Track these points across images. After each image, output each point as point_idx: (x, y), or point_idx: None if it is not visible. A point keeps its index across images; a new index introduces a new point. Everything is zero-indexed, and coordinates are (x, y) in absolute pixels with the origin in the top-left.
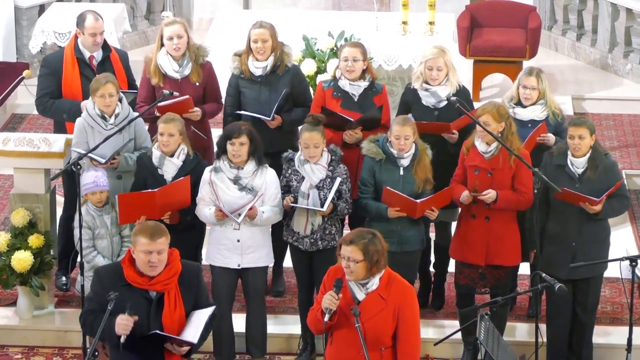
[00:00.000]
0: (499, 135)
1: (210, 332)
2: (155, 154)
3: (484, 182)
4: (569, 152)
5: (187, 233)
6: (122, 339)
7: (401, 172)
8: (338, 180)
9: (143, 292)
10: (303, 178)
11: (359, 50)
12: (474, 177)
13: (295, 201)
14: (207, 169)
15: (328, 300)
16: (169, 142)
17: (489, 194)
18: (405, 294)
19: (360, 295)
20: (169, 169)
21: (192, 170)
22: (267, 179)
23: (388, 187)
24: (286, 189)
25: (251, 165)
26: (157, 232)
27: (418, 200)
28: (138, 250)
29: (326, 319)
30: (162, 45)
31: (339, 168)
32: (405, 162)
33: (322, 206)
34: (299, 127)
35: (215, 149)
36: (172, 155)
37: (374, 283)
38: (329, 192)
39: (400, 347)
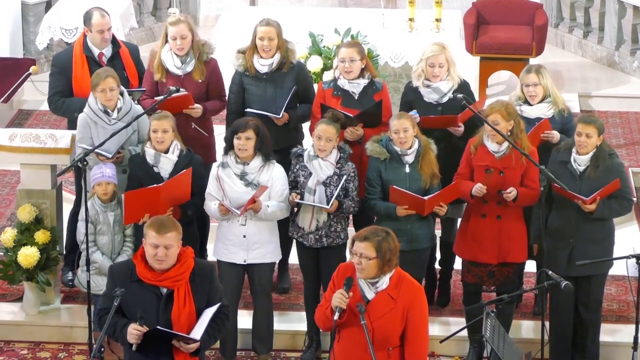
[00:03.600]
0: (508, 134)
1: (222, 328)
2: (149, 153)
3: (495, 182)
4: (573, 149)
5: (190, 229)
6: (133, 347)
7: (407, 170)
8: (344, 178)
9: (153, 288)
10: (311, 174)
11: (356, 50)
12: (484, 176)
13: (302, 197)
14: (215, 164)
15: (338, 299)
16: (163, 138)
17: (512, 192)
18: (415, 295)
19: (370, 294)
20: (165, 165)
21: (187, 166)
22: (274, 175)
23: (395, 186)
24: (293, 185)
25: (257, 161)
26: (167, 226)
27: (426, 197)
28: (147, 243)
29: (336, 317)
30: (166, 41)
31: (347, 166)
32: (409, 158)
33: (328, 203)
34: (306, 125)
35: (223, 144)
36: (166, 152)
37: (384, 282)
38: (336, 189)
39: (408, 347)
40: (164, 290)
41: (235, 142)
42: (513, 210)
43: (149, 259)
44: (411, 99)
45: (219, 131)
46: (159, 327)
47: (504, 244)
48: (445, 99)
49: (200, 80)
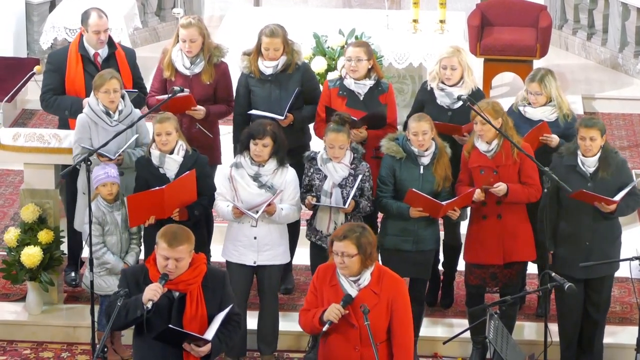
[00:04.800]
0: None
1: (234, 336)
2: (155, 154)
3: (490, 181)
4: (578, 152)
5: (198, 232)
6: (149, 305)
7: (421, 171)
8: (359, 177)
9: (166, 291)
10: (325, 177)
11: (363, 50)
12: (480, 177)
13: (318, 200)
14: (228, 164)
15: (334, 314)
16: (167, 140)
17: (500, 187)
18: (396, 287)
19: (353, 292)
20: (171, 166)
21: (193, 165)
22: (287, 178)
23: (414, 190)
24: (308, 188)
25: (272, 164)
26: (178, 238)
27: (444, 203)
28: (158, 252)
29: (325, 329)
30: (178, 40)
31: (362, 165)
32: (425, 160)
33: (344, 204)
34: (311, 125)
35: (228, 146)
36: (171, 153)
37: (366, 279)
38: (351, 189)
39: (395, 339)
40: (177, 294)
41: (252, 147)
42: (514, 208)
43: (160, 268)
44: (424, 99)
45: (224, 131)
46: (171, 325)
47: (508, 243)
48: (457, 105)
49: (208, 83)
